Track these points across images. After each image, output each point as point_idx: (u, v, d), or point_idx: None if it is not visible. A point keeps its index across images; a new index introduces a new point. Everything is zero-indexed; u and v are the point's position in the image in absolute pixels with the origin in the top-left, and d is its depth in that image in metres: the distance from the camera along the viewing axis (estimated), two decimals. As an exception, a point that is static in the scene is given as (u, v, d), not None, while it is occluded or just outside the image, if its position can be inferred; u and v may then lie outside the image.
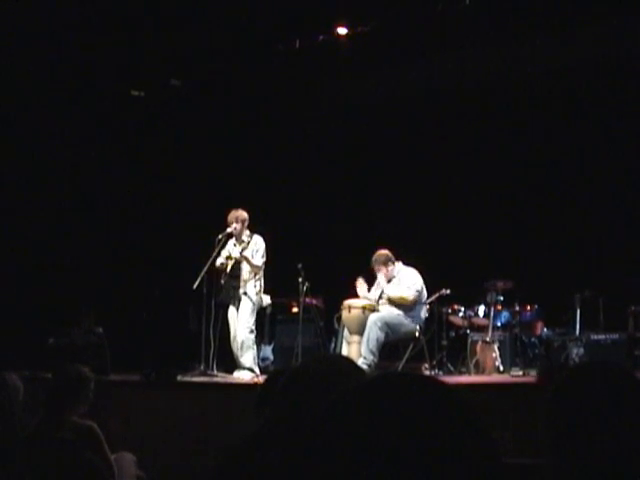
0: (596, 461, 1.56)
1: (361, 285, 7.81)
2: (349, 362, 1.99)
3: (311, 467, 0.90)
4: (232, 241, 7.79)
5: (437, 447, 0.87)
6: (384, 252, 7.77)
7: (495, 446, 0.91)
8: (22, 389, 4.13)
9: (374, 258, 7.76)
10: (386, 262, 7.74)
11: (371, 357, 7.19)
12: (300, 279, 7.94)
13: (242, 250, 7.54)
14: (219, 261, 7.66)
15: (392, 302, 7.63)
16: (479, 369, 7.76)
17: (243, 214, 7.71)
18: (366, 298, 7.76)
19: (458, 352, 8.10)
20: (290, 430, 1.68)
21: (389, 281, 7.78)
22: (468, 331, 8.11)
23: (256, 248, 7.66)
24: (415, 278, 7.68)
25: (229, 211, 7.73)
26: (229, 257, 7.69)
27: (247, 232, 7.73)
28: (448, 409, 0.91)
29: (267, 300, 7.94)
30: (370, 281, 7.90)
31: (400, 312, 7.57)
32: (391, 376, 0.98)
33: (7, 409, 3.82)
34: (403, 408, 0.91)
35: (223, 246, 7.75)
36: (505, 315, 8.16)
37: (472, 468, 0.88)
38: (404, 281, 7.67)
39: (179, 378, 7.24)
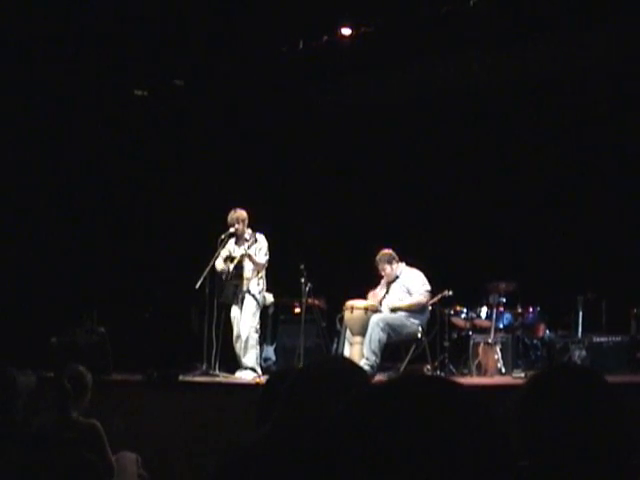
0: (565, 463, 1.57)
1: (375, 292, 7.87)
2: (352, 364, 2.00)
3: (323, 469, 0.91)
4: (232, 241, 7.80)
5: (453, 449, 0.88)
6: (388, 251, 7.79)
7: (510, 449, 0.91)
8: (33, 383, 4.10)
9: (378, 257, 7.78)
10: (390, 261, 7.76)
11: (373, 358, 7.19)
12: (302, 280, 7.94)
13: (248, 247, 7.55)
14: (219, 263, 7.66)
15: (403, 309, 7.61)
16: (481, 371, 7.75)
17: (243, 213, 7.72)
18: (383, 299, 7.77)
19: (460, 354, 8.10)
20: (297, 431, 1.68)
21: (392, 281, 7.78)
22: (470, 333, 8.09)
23: (259, 246, 7.67)
24: (422, 279, 7.69)
25: (228, 211, 7.74)
26: (229, 257, 7.69)
27: (249, 231, 7.74)
28: (465, 411, 0.92)
29: (270, 298, 7.94)
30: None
31: (402, 313, 7.57)
32: (408, 379, 0.99)
33: (8, 407, 3.81)
34: (420, 411, 0.91)
35: (224, 246, 7.75)
36: (507, 317, 8.14)
37: (487, 469, 0.88)
38: (411, 285, 7.67)
39: (181, 378, 7.24)
